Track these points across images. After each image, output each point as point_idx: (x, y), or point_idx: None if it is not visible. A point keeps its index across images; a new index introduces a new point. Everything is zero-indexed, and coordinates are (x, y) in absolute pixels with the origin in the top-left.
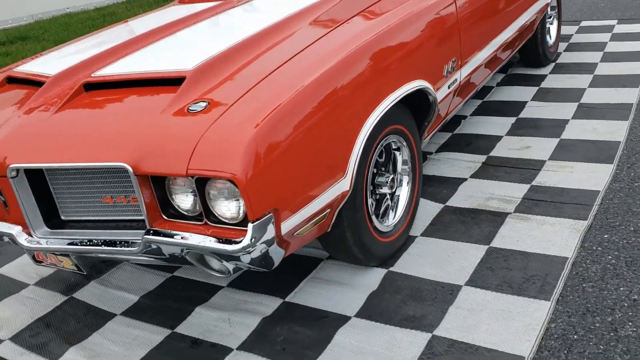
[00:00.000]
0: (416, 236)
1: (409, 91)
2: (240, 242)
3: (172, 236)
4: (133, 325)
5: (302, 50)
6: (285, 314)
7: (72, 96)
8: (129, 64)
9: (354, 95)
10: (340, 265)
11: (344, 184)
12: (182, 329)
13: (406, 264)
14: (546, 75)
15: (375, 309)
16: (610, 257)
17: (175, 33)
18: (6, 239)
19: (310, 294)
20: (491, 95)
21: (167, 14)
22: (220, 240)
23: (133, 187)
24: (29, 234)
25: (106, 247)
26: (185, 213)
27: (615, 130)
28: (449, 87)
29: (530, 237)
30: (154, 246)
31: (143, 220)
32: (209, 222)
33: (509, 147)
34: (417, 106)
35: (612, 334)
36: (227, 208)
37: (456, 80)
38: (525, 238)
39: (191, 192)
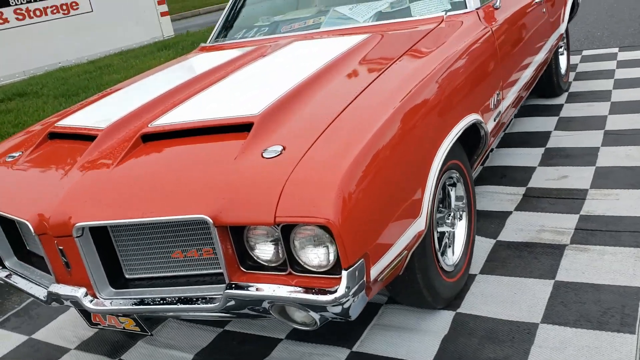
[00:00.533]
0: (475, 274)
1: (467, 125)
2: (335, 291)
3: (257, 289)
4: None
5: (365, 90)
6: None
7: (131, 148)
8: (185, 112)
9: (423, 133)
10: (403, 309)
11: (420, 224)
12: None
13: (473, 305)
14: (562, 104)
15: (453, 355)
16: None
17: (222, 80)
18: (67, 302)
19: (378, 342)
20: (512, 126)
21: (197, 61)
22: (312, 290)
23: (212, 240)
24: (94, 296)
25: (183, 305)
26: (265, 263)
27: None
28: (494, 120)
29: (595, 269)
30: (234, 301)
31: (215, 275)
32: (293, 272)
33: (546, 178)
34: (466, 141)
35: None
36: (316, 255)
37: (499, 113)
38: (590, 269)
39: (271, 241)
